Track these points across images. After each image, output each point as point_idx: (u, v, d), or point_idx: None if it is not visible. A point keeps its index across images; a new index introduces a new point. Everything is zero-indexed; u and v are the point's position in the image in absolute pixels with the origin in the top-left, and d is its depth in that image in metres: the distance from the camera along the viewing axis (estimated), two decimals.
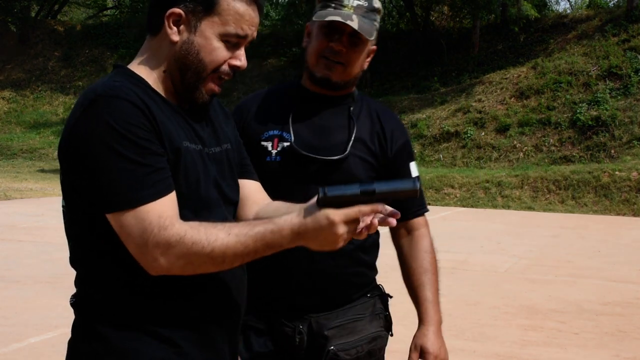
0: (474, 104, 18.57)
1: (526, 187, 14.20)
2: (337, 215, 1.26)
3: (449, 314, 5.57)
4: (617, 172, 13.80)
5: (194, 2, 1.39)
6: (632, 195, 13.19)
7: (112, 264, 1.36)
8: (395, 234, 2.02)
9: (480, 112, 18.16)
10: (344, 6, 1.82)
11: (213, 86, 1.44)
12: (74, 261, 1.43)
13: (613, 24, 19.99)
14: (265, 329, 1.87)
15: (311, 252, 1.75)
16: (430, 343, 1.91)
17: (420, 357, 1.91)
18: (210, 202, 1.44)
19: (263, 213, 1.55)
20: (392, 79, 22.91)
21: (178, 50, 1.40)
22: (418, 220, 2.01)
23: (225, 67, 1.43)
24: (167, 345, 1.37)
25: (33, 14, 29.22)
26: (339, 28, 1.82)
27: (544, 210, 13.27)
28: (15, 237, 8.75)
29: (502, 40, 22.28)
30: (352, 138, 1.88)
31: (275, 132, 1.88)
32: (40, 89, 26.14)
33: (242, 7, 1.41)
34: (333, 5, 1.82)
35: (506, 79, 19.36)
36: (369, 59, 1.94)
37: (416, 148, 17.54)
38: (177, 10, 1.39)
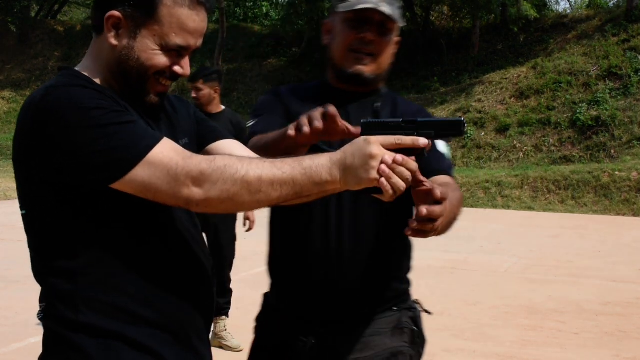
0: (473, 104, 18.56)
1: (526, 187, 14.19)
2: (374, 137, 1.22)
3: (449, 314, 5.59)
4: (617, 172, 13.79)
5: (133, 7, 1.33)
6: (632, 195, 13.18)
7: (84, 268, 1.32)
8: None
9: (480, 112, 18.15)
10: None
11: (158, 87, 1.40)
12: (39, 273, 1.37)
13: (613, 24, 19.98)
14: (276, 344, 1.81)
15: (335, 261, 1.70)
16: None
17: None
18: None
19: None
20: (392, 79, 22.84)
21: (119, 55, 1.36)
22: None
23: (166, 73, 1.39)
24: (144, 352, 1.34)
25: (33, 14, 29.23)
26: (368, 18, 1.75)
27: (544, 210, 13.26)
28: (15, 237, 8.73)
29: (502, 40, 22.27)
30: None
31: None
32: None
33: (184, 14, 1.34)
34: None
35: (506, 79, 19.36)
36: (394, 52, 1.88)
37: None
38: (115, 13, 1.33)
